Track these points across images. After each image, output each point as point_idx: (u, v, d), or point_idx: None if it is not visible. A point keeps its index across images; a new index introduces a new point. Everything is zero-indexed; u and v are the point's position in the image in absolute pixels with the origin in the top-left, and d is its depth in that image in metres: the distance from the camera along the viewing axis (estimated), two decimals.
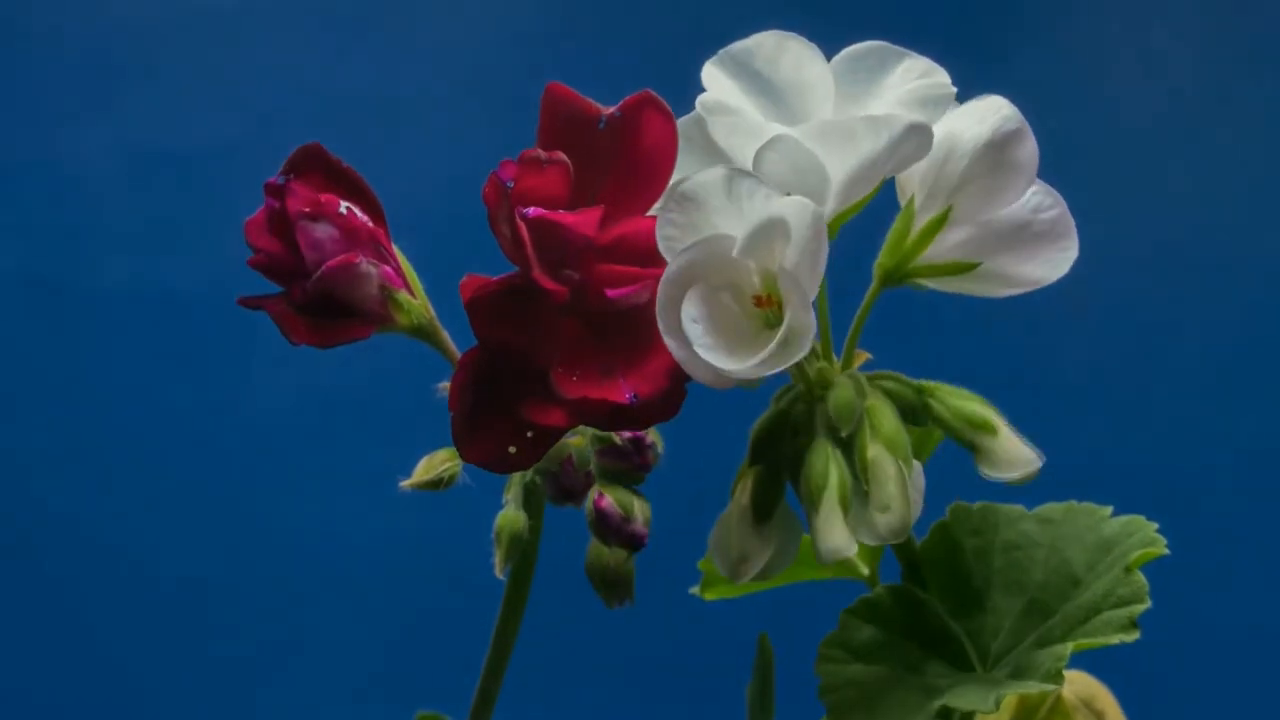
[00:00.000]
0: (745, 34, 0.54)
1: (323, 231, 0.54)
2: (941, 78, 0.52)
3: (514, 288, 0.51)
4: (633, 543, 0.59)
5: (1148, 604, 0.55)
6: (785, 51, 0.53)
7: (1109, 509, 0.59)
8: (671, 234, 0.50)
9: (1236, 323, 1.32)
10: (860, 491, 0.52)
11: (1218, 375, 1.31)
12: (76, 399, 1.35)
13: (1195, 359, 1.29)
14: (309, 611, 1.33)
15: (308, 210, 0.55)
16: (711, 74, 0.53)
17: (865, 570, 0.69)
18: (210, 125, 1.37)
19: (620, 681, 1.31)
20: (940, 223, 0.53)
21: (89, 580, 1.33)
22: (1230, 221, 1.33)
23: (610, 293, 0.51)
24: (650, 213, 0.53)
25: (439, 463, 0.58)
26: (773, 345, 0.49)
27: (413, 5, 1.42)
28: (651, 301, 0.51)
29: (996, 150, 0.53)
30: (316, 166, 0.56)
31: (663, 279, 0.49)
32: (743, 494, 0.56)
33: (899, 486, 0.51)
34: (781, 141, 0.50)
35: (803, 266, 0.49)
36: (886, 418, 0.53)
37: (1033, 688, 0.54)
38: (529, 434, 0.51)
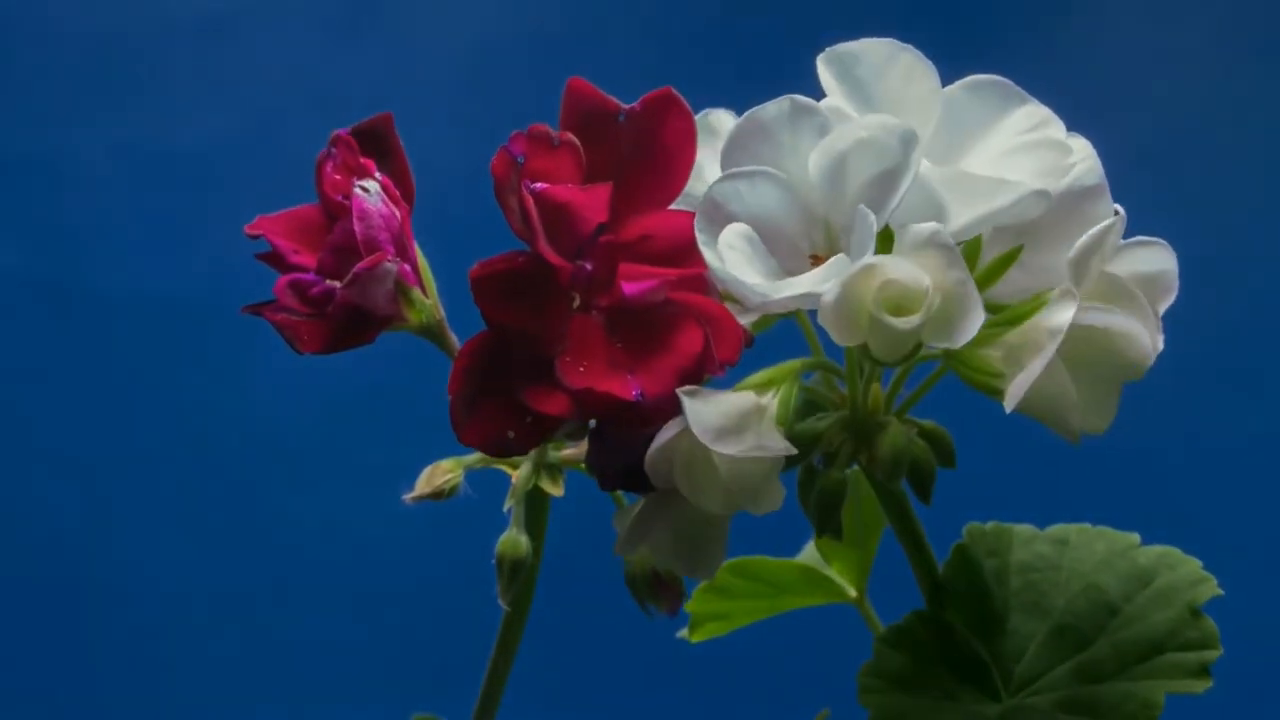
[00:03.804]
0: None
1: (372, 202, 0.54)
2: (1058, 132, 0.51)
3: (521, 268, 0.51)
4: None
5: (1220, 651, 0.54)
6: (895, 63, 0.51)
7: (1134, 536, 0.59)
8: (737, 156, 0.50)
9: (1236, 324, 1.32)
10: None
11: (1216, 375, 1.30)
12: (76, 398, 1.35)
13: (1196, 361, 1.28)
14: (310, 612, 1.33)
15: (355, 174, 0.55)
16: (820, 69, 0.52)
17: (853, 592, 0.69)
18: (210, 125, 1.37)
19: (623, 687, 1.31)
20: (1009, 261, 0.52)
21: (89, 580, 1.33)
22: (1234, 222, 1.33)
23: (627, 288, 0.51)
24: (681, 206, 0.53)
25: (440, 474, 0.58)
26: (820, 271, 0.47)
27: (413, 5, 1.42)
28: (668, 301, 0.51)
29: (1072, 201, 0.52)
30: (373, 137, 0.56)
31: (712, 190, 0.49)
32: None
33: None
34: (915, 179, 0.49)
35: (876, 192, 0.48)
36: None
37: None
38: (528, 419, 0.51)
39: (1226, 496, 1.30)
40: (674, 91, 0.53)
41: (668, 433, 0.50)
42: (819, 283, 0.47)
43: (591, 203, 0.51)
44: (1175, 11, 1.39)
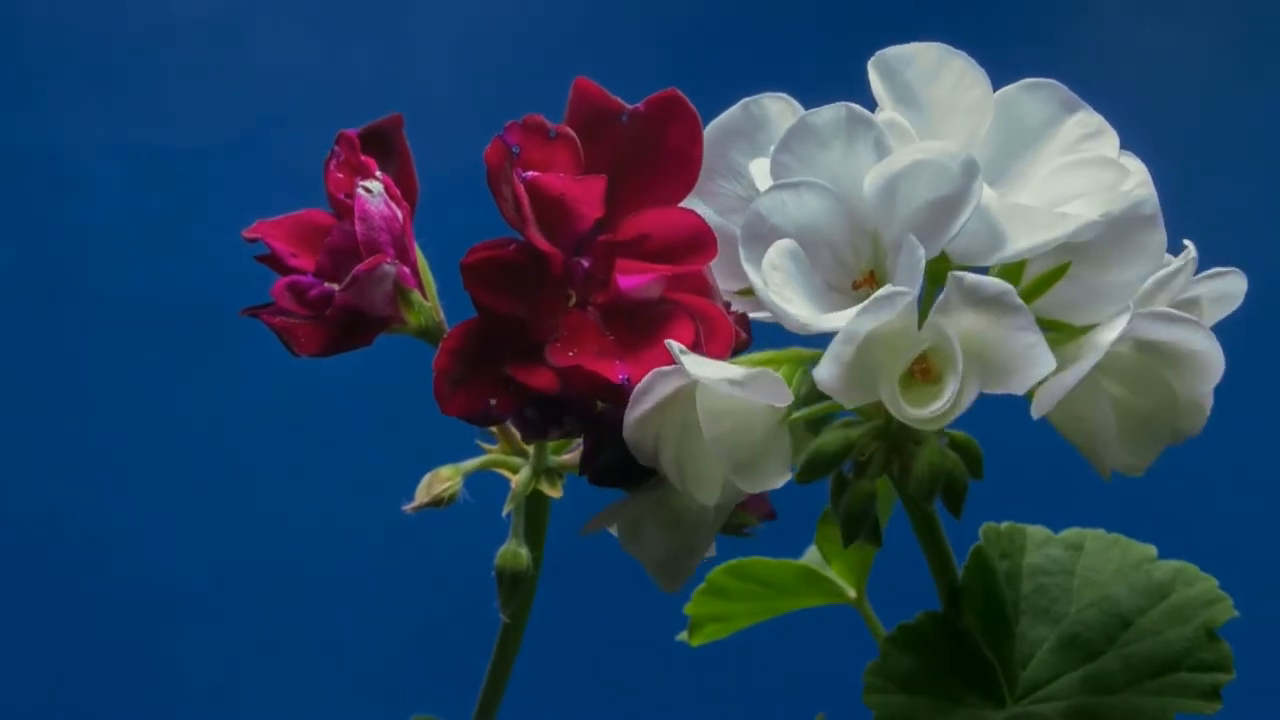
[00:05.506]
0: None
1: (375, 204, 0.54)
2: (1111, 149, 0.51)
3: (512, 256, 0.51)
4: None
5: (1233, 675, 0.54)
6: (946, 69, 0.51)
7: (1151, 548, 0.58)
8: (787, 161, 0.49)
9: (1233, 325, 1.31)
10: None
11: (1229, 379, 1.30)
12: (75, 398, 1.35)
13: None
14: (311, 612, 1.33)
15: (356, 172, 0.55)
16: (870, 73, 0.51)
17: (852, 593, 0.68)
18: (209, 125, 1.37)
19: (623, 689, 1.31)
20: (1058, 276, 0.51)
21: (87, 580, 1.32)
22: (1235, 222, 1.32)
23: (623, 281, 0.51)
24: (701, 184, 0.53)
25: (440, 482, 0.58)
26: (863, 305, 0.46)
27: (412, 4, 1.41)
28: (663, 299, 0.51)
29: (1127, 225, 0.50)
30: (381, 138, 0.56)
31: (756, 204, 0.48)
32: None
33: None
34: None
35: (928, 223, 0.47)
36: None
37: None
38: (511, 387, 0.51)
39: (1240, 507, 1.30)
40: (678, 93, 0.53)
41: (653, 394, 0.49)
42: (857, 318, 0.46)
43: (585, 195, 0.51)
44: (1175, 12, 1.39)
